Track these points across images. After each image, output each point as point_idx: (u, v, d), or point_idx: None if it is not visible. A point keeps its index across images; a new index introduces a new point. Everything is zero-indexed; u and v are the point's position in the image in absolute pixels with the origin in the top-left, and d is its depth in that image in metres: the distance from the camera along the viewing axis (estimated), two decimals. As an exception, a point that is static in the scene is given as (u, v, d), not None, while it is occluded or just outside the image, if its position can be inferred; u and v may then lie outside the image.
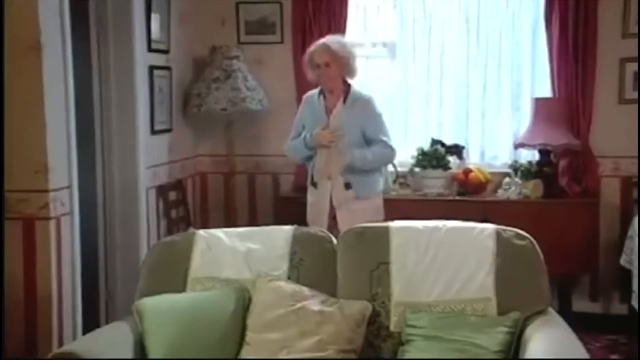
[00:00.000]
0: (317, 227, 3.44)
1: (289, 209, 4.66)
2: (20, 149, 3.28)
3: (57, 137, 3.40)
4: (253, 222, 4.86)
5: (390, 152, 3.88)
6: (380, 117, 3.88)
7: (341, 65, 3.77)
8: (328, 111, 3.82)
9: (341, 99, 3.82)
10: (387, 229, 2.84)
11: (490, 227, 2.77)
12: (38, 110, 3.29)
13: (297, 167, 4.86)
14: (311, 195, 3.94)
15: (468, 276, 2.65)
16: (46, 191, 3.32)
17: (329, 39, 3.85)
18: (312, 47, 3.86)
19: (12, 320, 3.35)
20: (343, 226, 3.57)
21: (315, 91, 3.95)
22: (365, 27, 4.98)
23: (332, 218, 3.85)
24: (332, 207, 3.85)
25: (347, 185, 3.83)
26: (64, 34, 3.43)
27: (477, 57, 4.81)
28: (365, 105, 3.83)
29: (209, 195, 5.01)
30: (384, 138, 3.84)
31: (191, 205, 4.85)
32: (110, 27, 4.08)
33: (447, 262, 2.71)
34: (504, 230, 2.74)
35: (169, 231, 4.47)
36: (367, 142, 3.82)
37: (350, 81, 3.87)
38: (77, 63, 3.60)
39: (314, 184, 3.91)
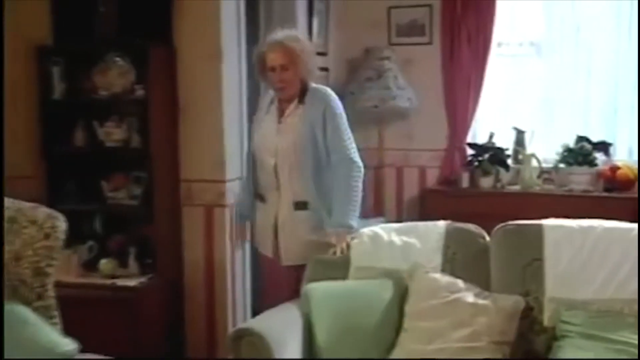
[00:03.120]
0: (263, 251, 3.07)
1: (435, 200, 4.63)
2: (202, 145, 3.47)
3: (232, 135, 3.55)
4: (399, 213, 4.88)
5: (358, 170, 2.96)
6: (342, 118, 2.96)
7: (300, 67, 2.90)
8: (280, 114, 2.99)
9: (296, 99, 2.96)
10: (540, 226, 2.72)
11: (650, 228, 2.60)
12: (218, 112, 3.46)
13: (443, 160, 4.81)
14: (258, 211, 3.08)
15: (626, 277, 2.49)
16: (223, 182, 3.49)
17: (284, 36, 2.93)
18: (263, 46, 2.96)
19: (193, 301, 3.56)
20: (287, 257, 2.97)
21: (271, 92, 3.08)
22: (513, 26, 4.81)
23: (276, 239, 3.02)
24: (276, 228, 3.00)
25: (299, 205, 2.94)
26: (239, 41, 3.58)
27: (627, 53, 4.51)
28: (323, 100, 2.93)
29: (359, 185, 5.05)
30: (347, 151, 2.93)
31: (344, 195, 4.90)
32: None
33: (603, 262, 2.56)
34: (665, 232, 2.56)
35: (324, 219, 4.55)
36: (326, 150, 2.94)
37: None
38: (248, 64, 3.74)
39: (261, 197, 3.05)
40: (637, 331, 2.32)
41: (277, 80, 2.89)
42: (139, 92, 3.40)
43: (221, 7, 3.44)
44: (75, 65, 3.48)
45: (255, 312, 3.35)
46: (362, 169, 2.98)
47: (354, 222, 2.91)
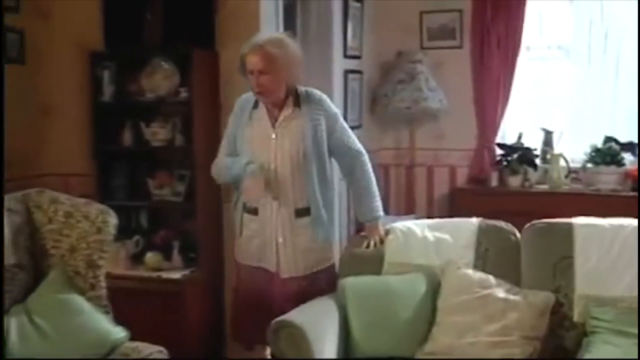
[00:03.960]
0: (262, 266, 2.79)
1: (464, 199, 4.60)
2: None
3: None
4: (430, 210, 4.85)
5: (367, 161, 2.88)
6: (341, 117, 2.87)
7: (281, 73, 2.65)
8: (273, 119, 2.75)
9: (290, 102, 2.75)
10: (571, 224, 2.70)
11: (679, 227, 2.55)
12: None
13: (472, 160, 4.78)
14: (248, 226, 2.80)
15: (656, 274, 2.47)
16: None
17: (266, 40, 2.68)
18: (245, 48, 2.69)
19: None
20: (288, 269, 2.77)
21: (250, 95, 2.81)
22: (541, 30, 4.76)
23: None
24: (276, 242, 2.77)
25: (300, 212, 2.75)
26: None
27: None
28: (320, 103, 2.78)
29: (390, 185, 5.04)
30: (355, 146, 2.85)
31: (376, 193, 4.91)
32: (313, 37, 4.21)
33: (632, 260, 2.53)
34: (695, 231, 2.51)
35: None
36: (331, 152, 2.81)
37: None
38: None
39: (252, 210, 2.77)
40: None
41: (255, 84, 2.66)
42: (183, 94, 3.44)
43: (260, 13, 3.47)
44: (124, 69, 3.54)
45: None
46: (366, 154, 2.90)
47: (381, 212, 2.92)
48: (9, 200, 2.49)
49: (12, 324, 2.26)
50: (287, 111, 2.74)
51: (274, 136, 2.72)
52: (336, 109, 2.86)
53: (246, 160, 2.71)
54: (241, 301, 2.93)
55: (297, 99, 2.75)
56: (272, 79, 2.64)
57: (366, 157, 2.90)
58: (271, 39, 2.69)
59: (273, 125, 2.74)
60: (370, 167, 2.90)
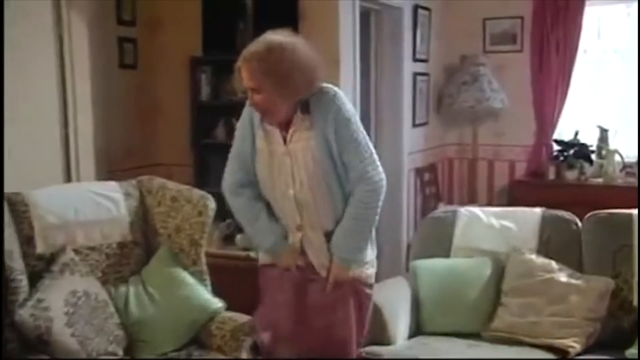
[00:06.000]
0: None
1: (523, 190, 4.47)
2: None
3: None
4: (490, 201, 4.75)
5: (373, 191, 2.01)
6: (355, 124, 2.01)
7: (275, 90, 1.92)
8: (283, 133, 2.02)
9: (298, 110, 1.99)
10: (631, 215, 2.58)
11: None
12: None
13: (530, 155, 4.64)
14: (264, 261, 2.17)
15: None
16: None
17: (253, 52, 1.93)
18: (240, 60, 1.96)
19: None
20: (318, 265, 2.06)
21: None
22: (599, 34, 4.56)
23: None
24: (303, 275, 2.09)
25: (330, 235, 2.05)
26: (354, 49, 3.59)
27: None
28: (330, 104, 1.97)
29: (454, 177, 4.97)
30: (363, 166, 1.99)
31: (441, 184, 4.84)
32: (385, 42, 4.18)
33: (691, 249, 2.40)
34: None
35: (424, 205, 4.51)
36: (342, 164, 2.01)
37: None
38: (360, 70, 3.74)
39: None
40: None
41: (251, 102, 1.99)
42: (270, 95, 3.48)
43: (339, 21, 3.48)
44: (219, 72, 3.62)
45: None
46: (381, 183, 2.03)
47: (359, 256, 2.09)
48: (127, 186, 2.58)
49: (131, 291, 2.36)
50: (296, 123, 2.00)
51: (288, 157, 2.02)
52: (351, 113, 2.01)
53: (277, 235, 2.07)
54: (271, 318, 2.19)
55: (307, 103, 1.99)
56: (266, 98, 1.93)
57: (372, 185, 2.02)
58: (262, 49, 1.92)
59: (284, 141, 2.02)
60: (374, 200, 2.02)
